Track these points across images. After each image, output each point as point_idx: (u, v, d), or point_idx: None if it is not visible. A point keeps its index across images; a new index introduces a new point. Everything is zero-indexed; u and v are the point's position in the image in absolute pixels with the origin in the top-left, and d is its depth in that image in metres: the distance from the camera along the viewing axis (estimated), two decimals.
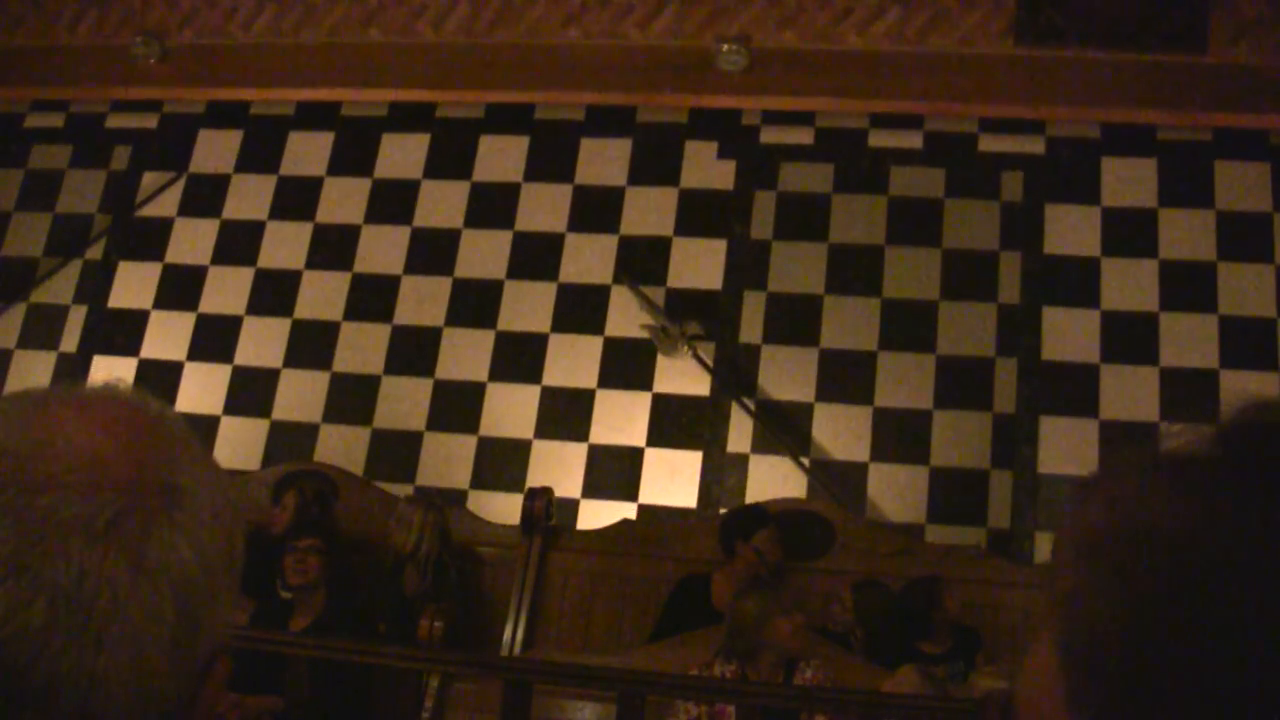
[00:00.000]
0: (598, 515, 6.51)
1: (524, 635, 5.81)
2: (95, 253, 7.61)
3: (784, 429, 6.52)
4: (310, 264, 7.31)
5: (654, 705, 4.25)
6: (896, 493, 6.36)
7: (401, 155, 7.46)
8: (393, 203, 7.35)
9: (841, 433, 6.50)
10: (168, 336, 7.30)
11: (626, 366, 6.79)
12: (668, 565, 5.94)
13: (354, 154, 7.51)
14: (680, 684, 4.30)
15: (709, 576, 5.73)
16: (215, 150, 7.70)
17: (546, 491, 6.12)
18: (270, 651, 4.44)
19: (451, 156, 7.40)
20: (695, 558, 5.96)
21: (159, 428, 0.79)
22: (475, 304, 7.04)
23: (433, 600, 5.38)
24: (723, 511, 6.24)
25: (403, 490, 6.70)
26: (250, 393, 7.10)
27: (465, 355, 6.95)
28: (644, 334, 6.78)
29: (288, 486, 6.32)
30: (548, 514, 6.10)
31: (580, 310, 6.94)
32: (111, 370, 7.25)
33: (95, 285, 7.51)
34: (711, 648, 4.75)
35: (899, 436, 6.45)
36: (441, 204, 7.31)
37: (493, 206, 7.24)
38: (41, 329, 7.50)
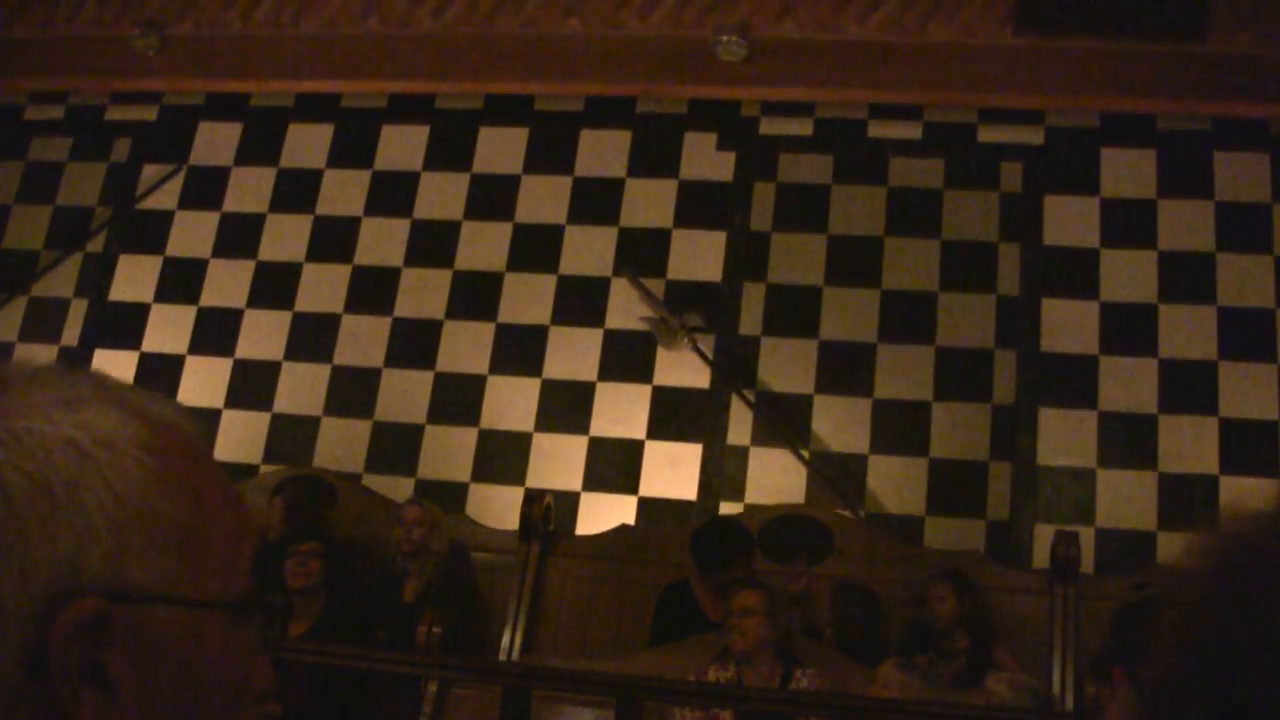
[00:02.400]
0: (598, 509, 6.53)
1: (522, 640, 5.80)
2: (96, 245, 7.62)
3: (783, 421, 6.54)
4: (310, 256, 7.31)
5: (652, 710, 4.27)
6: (896, 485, 6.37)
7: (401, 147, 7.45)
8: (392, 194, 7.35)
9: (841, 424, 6.51)
10: (169, 330, 7.32)
11: (626, 359, 6.80)
12: (666, 571, 5.88)
13: (353, 146, 7.51)
14: (678, 689, 4.33)
15: (689, 581, 5.66)
16: (215, 142, 7.70)
17: (545, 496, 6.10)
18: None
19: (451, 148, 7.40)
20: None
21: None
22: (475, 296, 7.05)
23: (431, 606, 5.36)
24: (697, 526, 6.06)
25: (404, 483, 6.73)
26: (251, 386, 7.11)
27: (466, 348, 6.96)
28: (644, 326, 6.79)
29: (279, 491, 6.31)
30: (546, 519, 6.07)
31: (580, 302, 6.95)
32: (114, 364, 7.28)
33: (96, 278, 7.52)
34: (708, 653, 4.78)
35: (898, 428, 6.45)
36: (441, 196, 7.31)
37: (492, 198, 7.24)
38: (43, 322, 7.51)
